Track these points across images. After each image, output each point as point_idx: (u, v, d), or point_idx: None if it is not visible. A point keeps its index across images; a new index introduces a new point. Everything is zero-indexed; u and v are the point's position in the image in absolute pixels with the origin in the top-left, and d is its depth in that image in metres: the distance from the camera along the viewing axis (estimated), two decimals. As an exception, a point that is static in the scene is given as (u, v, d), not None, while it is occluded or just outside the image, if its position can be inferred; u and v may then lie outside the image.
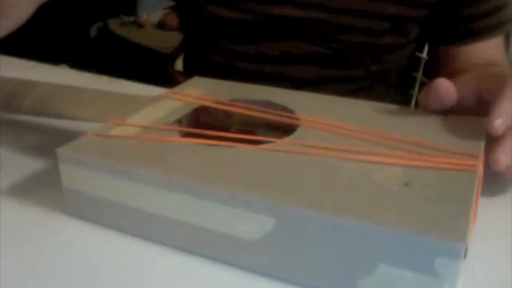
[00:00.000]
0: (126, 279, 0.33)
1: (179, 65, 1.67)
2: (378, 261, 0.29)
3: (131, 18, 2.35)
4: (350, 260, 0.29)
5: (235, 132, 0.42)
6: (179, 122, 0.43)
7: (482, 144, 0.37)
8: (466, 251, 0.28)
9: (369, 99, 0.45)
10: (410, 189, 0.31)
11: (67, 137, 0.39)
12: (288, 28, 0.63)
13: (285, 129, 0.40)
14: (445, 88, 0.41)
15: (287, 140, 0.38)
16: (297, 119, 0.42)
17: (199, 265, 0.34)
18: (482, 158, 0.35)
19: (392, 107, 0.44)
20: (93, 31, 2.37)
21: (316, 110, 0.42)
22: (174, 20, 2.26)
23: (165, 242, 0.35)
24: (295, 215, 0.30)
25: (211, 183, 0.32)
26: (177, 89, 0.48)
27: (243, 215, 0.31)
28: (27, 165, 0.45)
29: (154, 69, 1.64)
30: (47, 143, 0.43)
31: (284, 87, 0.47)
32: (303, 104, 0.44)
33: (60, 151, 0.37)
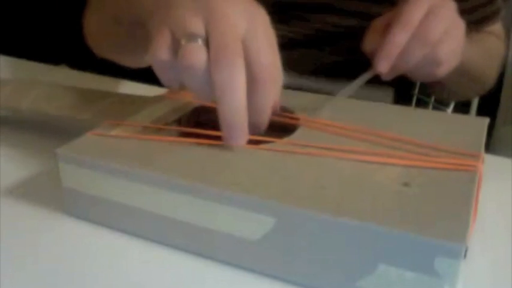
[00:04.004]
0: (126, 278, 0.33)
1: (179, 65, 1.66)
2: (378, 261, 0.29)
3: (131, 18, 2.35)
4: (350, 260, 0.29)
5: None
6: (179, 121, 0.43)
7: (482, 144, 0.37)
8: (466, 251, 0.28)
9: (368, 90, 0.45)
10: (410, 189, 0.31)
11: (67, 137, 0.39)
12: (289, 12, 0.64)
13: (285, 129, 0.40)
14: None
15: (287, 140, 0.38)
16: (297, 119, 0.42)
17: (199, 264, 0.34)
18: (482, 158, 0.35)
19: (392, 107, 0.44)
20: (93, 31, 2.36)
21: (316, 110, 0.42)
22: (174, 20, 2.25)
23: (164, 242, 0.35)
24: (295, 215, 0.30)
25: (211, 183, 0.32)
26: (177, 89, 0.48)
27: (243, 215, 0.31)
28: (27, 165, 0.45)
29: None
30: (47, 143, 0.43)
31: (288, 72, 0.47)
32: (303, 104, 0.44)
33: (60, 151, 0.37)
